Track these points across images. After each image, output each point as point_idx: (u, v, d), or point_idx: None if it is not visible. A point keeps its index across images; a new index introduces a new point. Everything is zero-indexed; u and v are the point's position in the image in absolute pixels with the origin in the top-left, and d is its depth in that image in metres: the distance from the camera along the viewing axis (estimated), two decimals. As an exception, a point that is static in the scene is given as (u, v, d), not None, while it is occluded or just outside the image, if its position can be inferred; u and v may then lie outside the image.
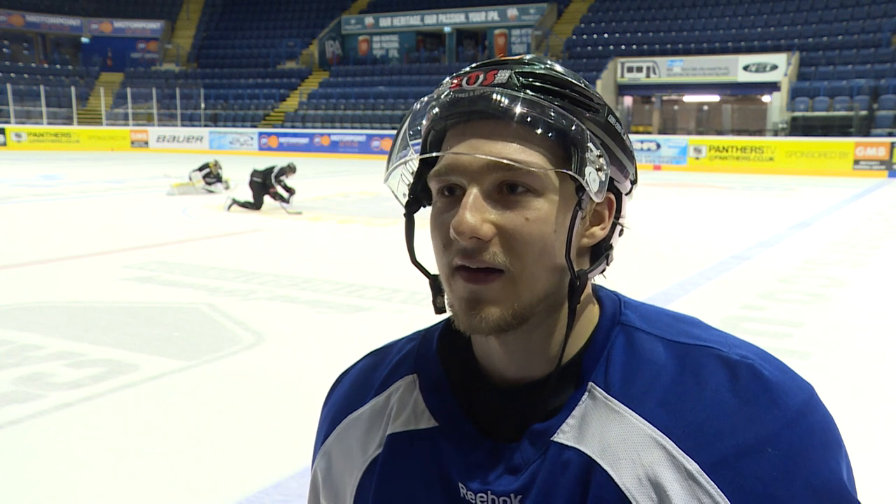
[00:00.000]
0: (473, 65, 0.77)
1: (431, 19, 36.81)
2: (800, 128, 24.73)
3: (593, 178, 0.72)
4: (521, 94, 0.71)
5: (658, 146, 25.05)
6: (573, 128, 0.71)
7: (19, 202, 14.04)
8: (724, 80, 27.80)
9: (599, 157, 0.73)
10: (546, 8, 34.27)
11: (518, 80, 0.73)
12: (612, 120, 0.76)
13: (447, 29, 36.58)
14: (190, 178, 15.52)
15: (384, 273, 7.65)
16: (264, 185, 12.66)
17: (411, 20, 37.35)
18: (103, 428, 3.95)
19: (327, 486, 0.89)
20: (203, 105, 35.74)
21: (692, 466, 0.69)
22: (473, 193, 0.70)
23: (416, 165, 0.78)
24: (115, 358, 4.95)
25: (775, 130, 25.66)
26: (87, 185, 17.49)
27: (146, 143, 33.46)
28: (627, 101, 30.98)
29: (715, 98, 31.86)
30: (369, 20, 38.68)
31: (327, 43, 38.57)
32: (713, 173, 22.66)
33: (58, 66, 40.89)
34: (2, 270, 7.81)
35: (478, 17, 35.85)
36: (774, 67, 26.64)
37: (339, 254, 9.09)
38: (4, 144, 31.22)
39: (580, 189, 0.72)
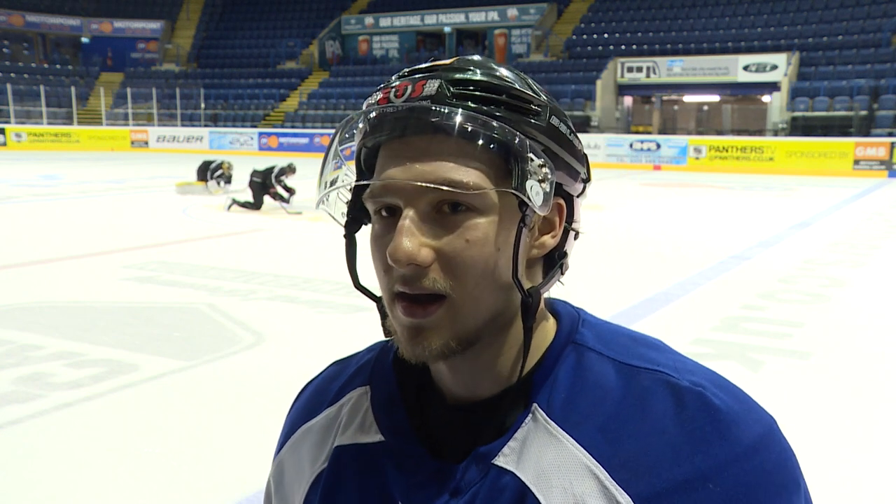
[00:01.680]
0: (403, 72, 0.72)
1: (431, 19, 36.82)
2: (800, 128, 24.74)
3: (536, 192, 0.67)
4: (454, 107, 0.67)
5: (658, 146, 25.05)
6: (514, 140, 0.67)
7: (19, 202, 14.04)
8: (724, 80, 27.81)
9: (542, 166, 0.68)
10: (546, 8, 34.27)
11: (448, 89, 0.68)
12: (555, 122, 0.71)
13: (447, 29, 36.58)
14: (206, 185, 15.48)
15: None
16: (264, 185, 12.70)
17: (411, 20, 37.36)
18: (103, 428, 3.95)
19: (279, 497, 0.88)
20: (203, 105, 35.75)
21: (624, 500, 0.65)
22: (409, 217, 0.66)
23: (352, 183, 0.74)
24: (115, 358, 4.95)
25: (775, 130, 25.66)
26: (87, 185, 17.49)
27: (146, 143, 33.46)
28: (627, 101, 30.98)
29: (715, 98, 31.86)
30: (369, 20, 38.69)
31: (327, 43, 38.57)
32: (713, 173, 22.66)
33: (58, 66, 40.91)
34: (2, 270, 7.81)
35: (478, 17, 35.85)
36: (774, 67, 26.64)
37: (339, 254, 8.98)
38: (4, 144, 31.23)
39: (523, 204, 0.68)
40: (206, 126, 34.20)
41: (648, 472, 0.65)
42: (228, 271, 7.73)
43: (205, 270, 7.77)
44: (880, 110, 24.14)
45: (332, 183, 0.74)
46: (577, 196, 0.76)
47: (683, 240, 10.04)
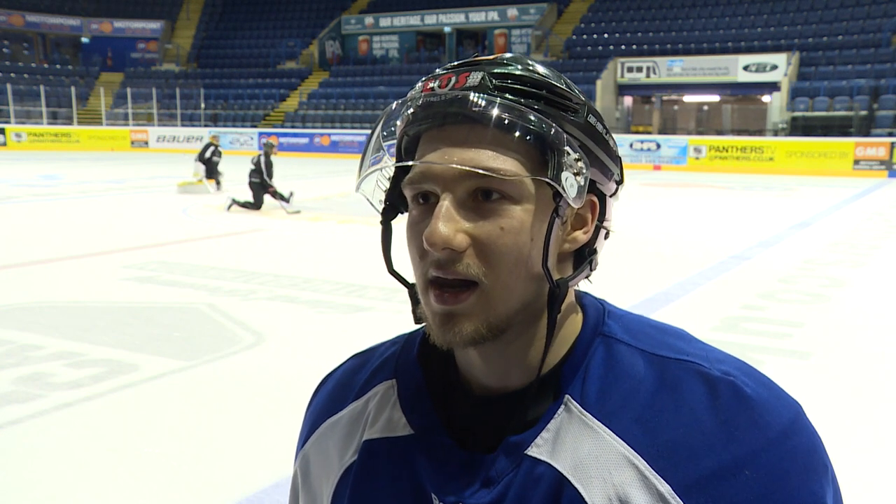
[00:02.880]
0: (447, 65, 0.74)
1: (431, 19, 36.81)
2: (800, 128, 24.74)
3: (571, 184, 0.69)
4: (496, 98, 0.69)
5: (658, 146, 25.05)
6: (550, 131, 0.68)
7: (19, 202, 14.04)
8: (724, 80, 27.81)
9: (578, 160, 0.70)
10: (546, 8, 34.27)
11: (491, 81, 0.70)
12: (592, 120, 0.73)
13: (447, 29, 36.58)
14: (197, 174, 15.69)
15: (384, 273, 7.58)
16: (262, 184, 12.76)
17: (411, 20, 37.35)
18: (103, 428, 3.96)
19: (305, 491, 0.88)
20: (203, 105, 35.76)
21: (664, 488, 0.67)
22: (446, 203, 0.68)
23: (392, 171, 0.76)
24: (115, 358, 4.95)
25: (775, 130, 25.66)
26: (87, 185, 17.49)
27: (146, 143, 33.47)
28: (627, 101, 30.99)
29: (715, 98, 31.86)
30: (369, 20, 38.68)
31: (327, 43, 38.57)
32: (713, 173, 22.66)
33: (58, 66, 40.91)
34: (2, 270, 7.81)
35: (478, 17, 35.85)
36: (774, 67, 26.64)
37: (339, 254, 9.08)
38: (4, 144, 31.23)
39: (558, 195, 0.69)
40: (206, 126, 34.17)
41: (687, 461, 0.67)
42: (228, 271, 7.73)
43: (205, 270, 7.77)
44: (880, 110, 24.14)
45: (372, 167, 0.76)
46: (610, 196, 0.78)
47: (683, 240, 10.04)
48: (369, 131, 0.77)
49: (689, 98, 32.57)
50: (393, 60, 37.75)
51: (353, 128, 31.13)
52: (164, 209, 13.07)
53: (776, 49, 27.59)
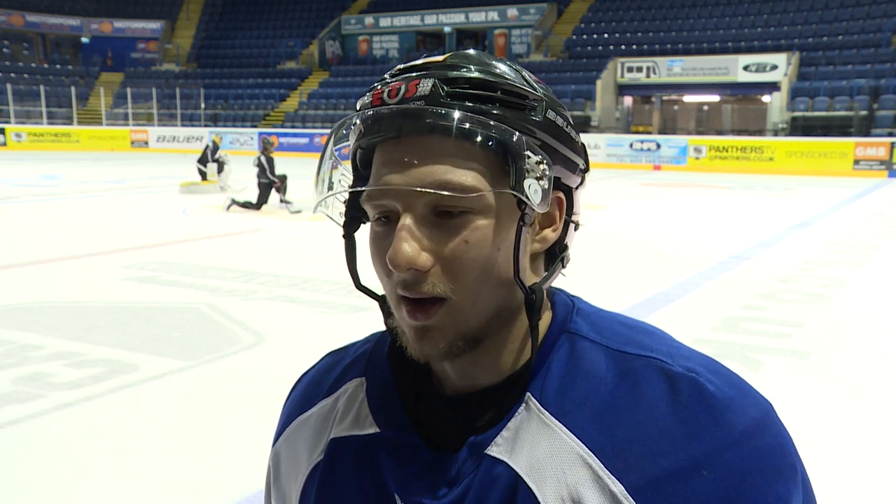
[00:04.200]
0: (395, 70, 0.72)
1: (431, 19, 36.82)
2: (800, 128, 24.75)
3: (535, 190, 0.67)
4: (449, 107, 0.66)
5: (658, 146, 25.05)
6: (513, 138, 0.66)
7: (19, 202, 14.04)
8: (724, 80, 27.81)
9: (539, 163, 0.67)
10: (546, 8, 34.28)
11: (442, 89, 0.67)
12: (551, 115, 0.70)
13: (447, 29, 36.58)
14: (203, 173, 15.73)
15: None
16: (269, 183, 12.85)
17: (411, 20, 37.36)
18: (103, 428, 3.95)
19: (276, 489, 0.88)
20: (203, 105, 35.76)
21: (617, 489, 0.65)
22: (407, 222, 0.66)
23: (349, 184, 0.74)
24: (115, 358, 4.95)
25: (775, 130, 25.67)
26: (87, 185, 17.49)
27: (146, 143, 33.47)
28: (627, 101, 30.99)
29: (715, 98, 31.86)
30: (369, 20, 38.69)
31: (327, 43, 38.58)
32: (713, 173, 22.66)
33: (58, 66, 40.91)
34: (2, 270, 7.81)
35: (478, 17, 35.86)
36: (774, 67, 26.64)
37: (339, 254, 8.98)
38: (4, 144, 31.23)
39: (522, 203, 0.68)
40: (206, 126, 34.18)
41: (642, 461, 0.65)
42: (228, 271, 7.73)
43: (205, 270, 7.77)
44: (880, 110, 24.14)
45: (329, 183, 0.74)
46: (576, 188, 0.76)
47: (683, 240, 10.04)
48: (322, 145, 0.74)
49: (689, 98, 32.57)
50: (393, 60, 37.72)
51: (353, 128, 31.09)
52: (164, 209, 13.07)
53: (776, 49, 27.60)
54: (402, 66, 0.72)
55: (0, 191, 15.70)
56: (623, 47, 30.64)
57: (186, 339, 5.43)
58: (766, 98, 28.60)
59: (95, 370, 4.72)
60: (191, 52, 42.24)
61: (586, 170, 0.77)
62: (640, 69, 28.96)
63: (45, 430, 3.90)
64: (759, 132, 27.56)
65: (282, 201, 12.86)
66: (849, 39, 27.55)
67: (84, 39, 43.46)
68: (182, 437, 3.85)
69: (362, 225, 0.76)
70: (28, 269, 7.92)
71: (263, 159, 13.05)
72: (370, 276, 0.75)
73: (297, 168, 15.60)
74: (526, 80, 0.71)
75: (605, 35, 32.08)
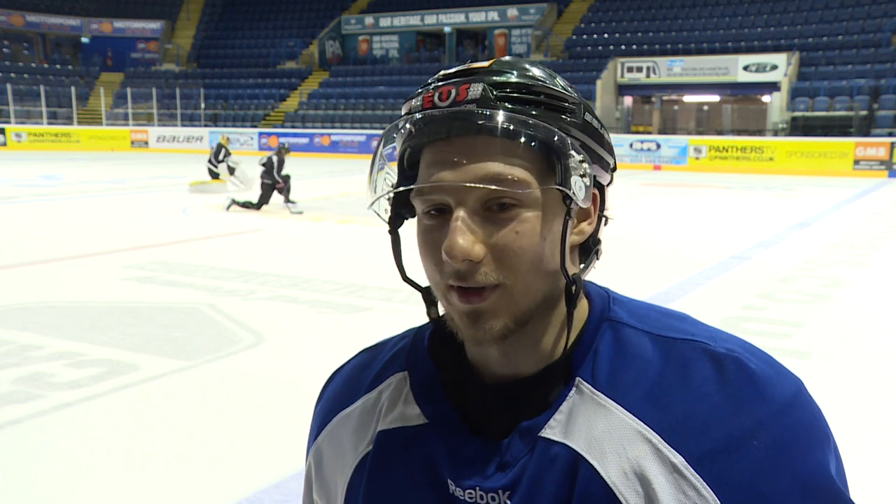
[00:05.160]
0: (443, 74, 0.76)
1: (431, 19, 36.81)
2: (800, 128, 24.73)
3: (579, 187, 0.73)
4: (499, 110, 0.71)
5: (658, 146, 25.05)
6: (554, 138, 0.72)
7: (19, 202, 14.04)
8: (724, 80, 27.80)
9: (582, 162, 0.73)
10: (546, 8, 34.27)
11: (492, 92, 0.72)
12: (588, 117, 0.76)
13: (447, 29, 36.58)
14: (227, 179, 15.78)
15: (384, 273, 7.64)
16: (273, 184, 12.89)
17: (411, 20, 37.35)
18: (103, 428, 3.96)
19: (319, 484, 0.90)
20: (203, 105, 35.75)
21: (677, 460, 0.70)
22: (461, 215, 0.71)
23: (395, 179, 0.79)
24: (115, 358, 4.95)
25: (775, 130, 25.66)
26: (87, 185, 17.49)
27: (146, 143, 33.46)
28: (627, 101, 30.98)
29: (715, 98, 31.85)
30: (369, 20, 38.68)
31: (327, 43, 38.57)
32: (713, 173, 22.66)
33: (58, 66, 40.90)
34: (2, 270, 7.81)
35: (478, 17, 35.85)
36: (774, 67, 26.63)
37: (339, 254, 9.08)
38: (4, 144, 31.23)
39: (567, 198, 0.73)
40: (206, 126, 34.18)
41: (697, 433, 0.70)
42: (228, 271, 7.73)
43: (205, 270, 7.78)
44: (880, 110, 24.14)
45: (374, 185, 0.79)
46: (607, 185, 0.82)
47: (683, 240, 10.04)
48: (374, 145, 0.79)
49: (689, 98, 32.56)
50: (393, 60, 37.74)
51: (353, 128, 31.12)
52: (163, 209, 13.07)
53: (776, 49, 27.59)
54: (448, 70, 0.76)
55: (0, 191, 15.70)
56: (623, 47, 30.64)
57: (186, 339, 5.43)
58: (766, 98, 28.60)
59: (95, 370, 4.72)
60: (191, 52, 42.23)
61: (615, 168, 0.83)
62: (640, 69, 28.95)
63: (45, 430, 3.90)
64: (759, 132, 27.56)
65: (286, 201, 12.87)
66: (849, 39, 27.55)
67: (84, 39, 43.45)
68: (182, 437, 3.85)
69: (405, 221, 0.81)
70: (28, 269, 7.92)
71: (275, 159, 13.10)
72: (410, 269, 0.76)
73: (298, 168, 15.62)
74: (564, 86, 0.76)
75: (605, 35, 32.07)
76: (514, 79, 0.73)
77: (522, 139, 0.71)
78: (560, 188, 0.72)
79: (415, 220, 0.78)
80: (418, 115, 0.73)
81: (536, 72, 0.75)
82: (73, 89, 35.94)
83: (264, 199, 12.91)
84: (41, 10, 42.43)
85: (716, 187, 18.17)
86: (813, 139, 23.33)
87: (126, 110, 35.85)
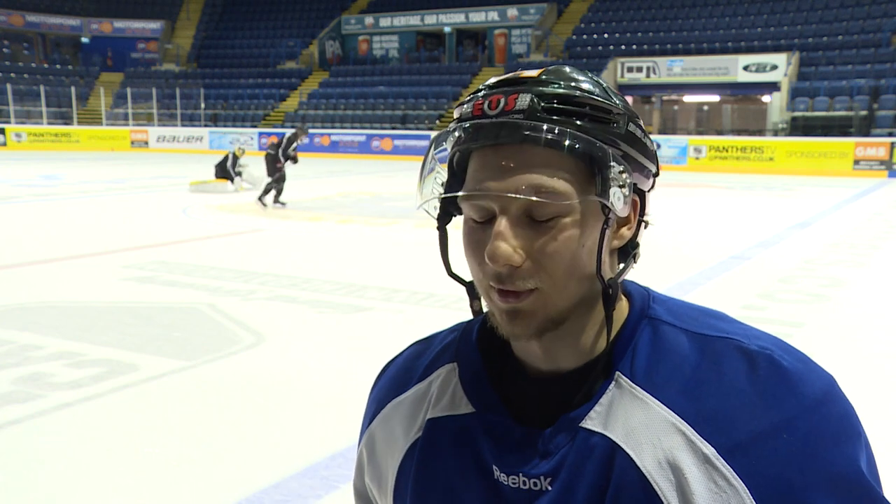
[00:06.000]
0: (493, 82, 0.80)
1: (431, 19, 36.80)
2: (800, 128, 24.73)
3: (618, 197, 0.76)
4: (545, 122, 0.75)
5: (658, 146, 24.88)
6: (596, 151, 0.75)
7: (19, 202, 14.04)
8: (724, 80, 27.81)
9: (622, 172, 0.76)
10: (546, 8, 34.27)
11: (539, 104, 0.76)
12: (632, 127, 0.79)
13: (447, 29, 36.58)
14: (232, 183, 15.85)
15: (384, 273, 7.66)
16: (275, 158, 13.07)
17: (411, 20, 37.34)
18: (103, 428, 3.96)
19: (371, 467, 0.95)
20: (203, 105, 35.74)
21: (709, 451, 0.73)
22: (504, 222, 0.75)
23: (445, 179, 0.83)
24: (115, 358, 4.95)
25: (775, 130, 25.65)
26: (87, 185, 17.49)
27: (146, 143, 33.45)
28: (627, 100, 30.93)
29: (715, 98, 31.85)
30: (369, 20, 38.68)
31: (327, 43, 38.57)
32: (713, 173, 22.66)
33: (58, 66, 40.89)
34: (2, 270, 7.81)
35: (478, 17, 35.85)
36: (774, 67, 26.64)
37: (339, 254, 9.08)
38: (4, 144, 31.22)
39: (607, 208, 0.76)
40: (206, 126, 34.18)
41: (728, 426, 0.74)
42: (228, 271, 7.73)
43: (205, 270, 7.78)
44: (880, 110, 24.14)
45: (422, 185, 0.84)
46: (648, 191, 0.85)
47: (683, 240, 10.04)
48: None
49: (689, 98, 32.56)
50: (393, 60, 37.74)
51: (353, 128, 31.12)
52: (163, 209, 13.07)
53: (776, 49, 27.59)
54: (498, 78, 0.80)
55: (0, 191, 15.70)
56: (623, 47, 30.64)
57: (186, 339, 5.43)
58: (766, 98, 28.59)
59: (95, 370, 4.72)
60: (191, 52, 42.23)
61: (657, 173, 0.86)
62: (640, 69, 28.96)
63: (45, 430, 3.90)
64: (759, 132, 27.55)
65: (276, 201, 12.89)
66: (849, 39, 27.54)
67: (84, 39, 43.44)
68: (182, 437, 3.85)
69: (453, 218, 0.85)
70: (28, 269, 7.92)
71: (286, 137, 13.25)
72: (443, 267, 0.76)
73: (297, 168, 15.58)
74: (608, 94, 0.79)
75: (605, 35, 32.07)
76: (560, 90, 0.77)
77: (567, 151, 0.74)
78: (599, 199, 0.75)
79: (461, 218, 0.82)
80: (468, 121, 0.78)
81: (584, 83, 0.78)
82: (73, 89, 35.93)
83: (270, 172, 13.08)
84: (41, 10, 42.42)
85: (716, 187, 18.17)
86: (813, 139, 23.32)
87: (126, 110, 35.84)
